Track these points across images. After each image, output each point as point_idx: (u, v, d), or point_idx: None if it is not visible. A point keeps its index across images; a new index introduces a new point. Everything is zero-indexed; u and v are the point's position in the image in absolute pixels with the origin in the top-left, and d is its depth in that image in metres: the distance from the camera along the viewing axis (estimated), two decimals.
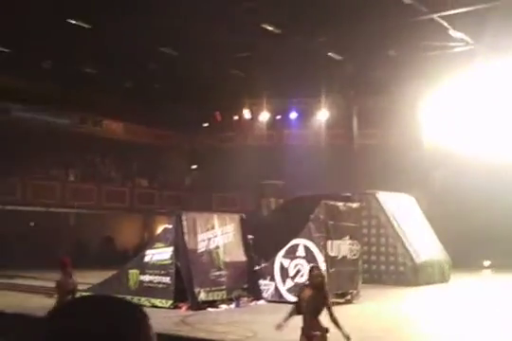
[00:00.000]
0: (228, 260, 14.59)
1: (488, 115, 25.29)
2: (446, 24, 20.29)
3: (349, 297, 14.75)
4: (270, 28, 20.67)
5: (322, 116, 28.23)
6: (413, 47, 22.77)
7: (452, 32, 21.05)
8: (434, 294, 17.22)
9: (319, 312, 7.02)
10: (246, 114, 29.48)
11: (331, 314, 6.92)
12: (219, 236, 14.68)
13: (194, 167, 32.51)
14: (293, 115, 29.84)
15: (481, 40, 21.44)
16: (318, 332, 6.96)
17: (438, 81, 25.13)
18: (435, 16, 19.71)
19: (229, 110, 29.72)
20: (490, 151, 25.78)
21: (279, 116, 29.86)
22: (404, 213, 20.73)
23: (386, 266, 19.65)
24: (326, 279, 8.01)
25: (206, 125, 31.15)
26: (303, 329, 7.04)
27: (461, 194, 27.02)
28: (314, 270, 7.51)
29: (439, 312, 13.57)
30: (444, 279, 20.08)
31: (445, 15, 19.72)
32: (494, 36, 20.48)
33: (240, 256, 15.05)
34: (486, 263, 25.74)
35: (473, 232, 25.93)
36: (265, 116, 29.17)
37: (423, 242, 20.26)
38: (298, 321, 7.14)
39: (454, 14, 19.51)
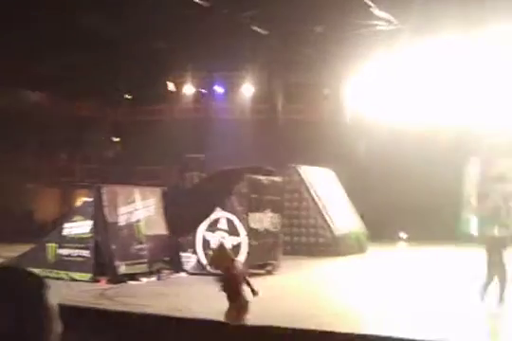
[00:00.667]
0: (149, 233, 14.56)
1: (412, 91, 25.98)
2: (370, 2, 20.58)
3: (270, 268, 15.05)
4: (197, 1, 20.40)
5: (247, 90, 28.27)
6: (340, 25, 23.00)
7: (377, 11, 21.38)
8: (351, 264, 17.78)
9: (239, 284, 7.13)
10: (171, 86, 29.15)
11: (246, 282, 7.15)
12: (140, 209, 14.60)
13: (117, 140, 31.99)
14: (218, 88, 29.74)
15: (405, 21, 21.89)
16: (244, 301, 7.09)
17: (364, 58, 25.56)
18: None
19: (153, 82, 29.30)
20: (411, 124, 26.58)
21: (204, 90, 29.69)
22: (324, 186, 21.19)
23: (307, 238, 20.10)
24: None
25: (129, 97, 30.61)
26: (229, 301, 7.14)
27: (380, 167, 27.85)
28: (217, 249, 7.81)
29: (354, 281, 14.05)
30: (361, 251, 20.74)
31: None
32: (418, 17, 20.93)
33: (161, 229, 15.04)
34: (403, 235, 26.70)
35: (391, 204, 26.81)
36: (189, 90, 28.94)
37: (342, 215, 20.84)
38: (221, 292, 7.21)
39: None
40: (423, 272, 15.72)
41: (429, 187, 26.68)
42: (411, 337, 4.48)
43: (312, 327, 4.15)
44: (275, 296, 11.56)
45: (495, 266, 10.79)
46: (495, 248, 11.02)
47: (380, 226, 26.65)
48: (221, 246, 8.49)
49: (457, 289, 12.90)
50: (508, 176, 27.73)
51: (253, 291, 7.18)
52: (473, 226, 26.80)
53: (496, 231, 11.42)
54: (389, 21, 22.43)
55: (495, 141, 26.96)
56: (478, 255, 19.88)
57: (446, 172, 26.18)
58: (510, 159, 26.72)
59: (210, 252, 13.77)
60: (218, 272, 7.78)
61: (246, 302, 7.12)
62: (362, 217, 22.50)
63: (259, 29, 23.97)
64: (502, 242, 11.11)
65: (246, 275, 7.30)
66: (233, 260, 7.53)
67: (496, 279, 10.69)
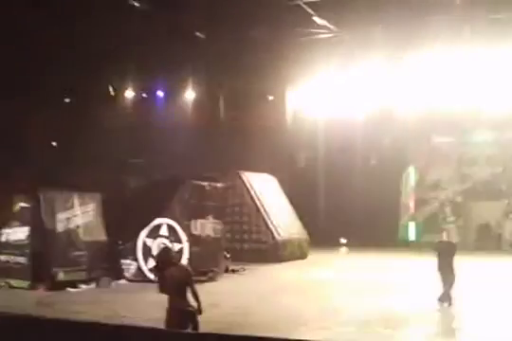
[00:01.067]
0: (88, 239, 14.29)
1: (354, 101, 26.38)
2: (310, 10, 20.83)
3: (211, 275, 14.97)
4: (137, 5, 20.22)
5: (189, 95, 28.13)
6: (282, 32, 23.19)
7: (317, 19, 21.66)
8: (292, 270, 17.87)
9: (182, 290, 7.01)
10: (111, 90, 28.73)
11: (193, 292, 6.99)
12: (79, 215, 14.32)
13: (55, 144, 31.29)
14: (159, 93, 29.48)
15: (344, 28, 22.26)
16: (187, 308, 6.97)
17: (306, 66, 25.82)
18: (301, 2, 20.16)
19: (93, 86, 28.81)
20: (353, 132, 26.99)
21: (145, 94, 29.38)
22: (267, 193, 21.27)
23: (249, 244, 20.10)
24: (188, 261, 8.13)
25: (68, 100, 30.00)
26: (168, 307, 7.00)
27: (322, 174, 28.20)
28: (162, 252, 7.68)
29: (295, 288, 14.13)
30: (303, 256, 20.89)
31: (309, 1, 20.21)
32: (357, 25, 21.33)
33: (101, 235, 14.77)
34: (343, 241, 27.04)
35: (332, 210, 27.16)
36: (130, 94, 28.59)
37: (284, 221, 20.95)
38: (162, 299, 7.10)
39: (319, 1, 20.06)
40: (360, 276, 15.94)
41: (370, 194, 27.14)
42: None
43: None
44: (213, 303, 11.54)
45: (445, 269, 11.38)
46: (443, 252, 11.55)
47: (322, 232, 26.95)
48: (166, 248, 8.48)
49: (391, 292, 13.12)
50: (443, 184, 28.62)
51: (199, 308, 6.98)
52: (411, 232, 27.58)
53: (444, 236, 12.13)
54: (329, 29, 22.76)
55: (430, 151, 27.72)
56: (415, 260, 20.36)
57: (385, 180, 26.71)
58: (445, 167, 27.55)
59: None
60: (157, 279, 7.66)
61: (188, 309, 6.99)
62: (304, 223, 22.67)
63: (200, 34, 23.94)
64: (450, 247, 11.68)
65: (193, 282, 7.15)
66: (177, 264, 7.48)
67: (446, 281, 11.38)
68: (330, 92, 26.59)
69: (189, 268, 7.51)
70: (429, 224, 26.87)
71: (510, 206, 26.05)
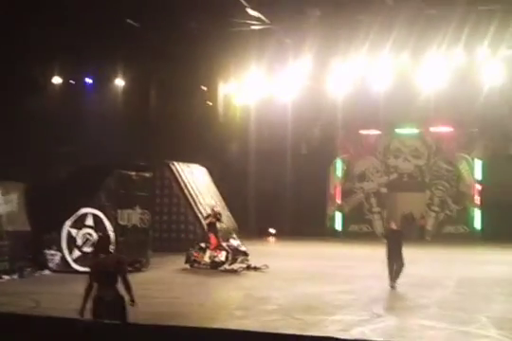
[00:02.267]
0: (10, 229, 13.93)
1: (285, 92, 26.60)
2: (244, 2, 20.85)
3: (138, 265, 14.85)
4: None
5: (119, 83, 27.68)
6: (215, 22, 23.10)
7: (250, 11, 21.70)
8: None
9: (112, 279, 6.92)
10: (39, 76, 27.92)
11: (125, 282, 6.91)
12: (1, 204, 13.93)
13: None
14: (88, 80, 28.86)
15: (276, 20, 22.40)
16: (115, 298, 6.89)
17: (239, 56, 25.84)
18: None
19: (20, 71, 27.94)
20: (283, 124, 27.25)
21: (73, 81, 28.70)
22: (196, 183, 21.24)
23: (177, 234, 20.05)
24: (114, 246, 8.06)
25: None
26: (96, 295, 6.90)
27: (253, 165, 28.37)
28: (101, 239, 7.57)
29: (224, 277, 14.22)
30: None
31: None
32: (288, 17, 21.51)
33: (24, 225, 14.41)
34: (272, 231, 27.33)
35: (262, 201, 27.40)
36: (58, 80, 27.87)
37: None
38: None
39: None
40: (288, 266, 16.19)
41: (299, 184, 27.54)
42: None
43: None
44: (141, 293, 11.47)
45: (394, 256, 12.32)
46: (392, 239, 12.54)
47: (251, 222, 27.19)
48: (104, 236, 8.43)
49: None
50: (369, 175, 29.33)
51: (131, 299, 6.93)
52: (338, 222, 28.14)
53: (393, 225, 13.24)
54: (262, 20, 22.85)
55: (357, 143, 28.32)
56: (341, 249, 20.82)
57: (314, 171, 27.14)
58: (371, 159, 28.22)
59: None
60: (85, 269, 7.58)
61: (116, 298, 6.92)
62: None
63: (132, 22, 23.57)
64: (398, 235, 12.73)
65: (126, 272, 7.07)
66: (111, 252, 7.42)
67: (395, 266, 12.36)
68: (262, 83, 26.74)
69: (124, 258, 7.46)
70: (355, 215, 27.52)
71: (432, 197, 26.95)
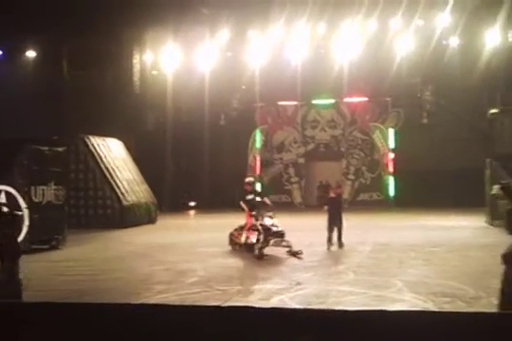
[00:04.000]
0: None
1: (204, 62, 26.30)
2: None
3: (55, 243, 14.50)
4: None
5: (31, 54, 26.59)
6: None
7: None
8: (141, 235, 17.80)
9: (15, 255, 6.78)
10: None
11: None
12: None
13: None
14: None
15: None
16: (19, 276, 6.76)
17: (156, 27, 25.32)
18: None
19: None
20: (203, 98, 27.00)
21: None
22: (113, 157, 20.82)
23: (94, 210, 19.68)
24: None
25: None
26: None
27: (170, 139, 28.06)
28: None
29: (143, 252, 14.10)
30: (151, 221, 20.82)
31: None
32: None
33: None
34: (192, 204, 27.27)
35: (181, 175, 27.23)
36: None
37: (130, 186, 20.68)
38: None
39: None
40: (208, 238, 16.23)
41: (218, 156, 27.51)
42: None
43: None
44: (59, 271, 11.25)
45: (335, 219, 13.66)
46: (332, 207, 13.85)
47: (170, 196, 27.00)
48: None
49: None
50: (287, 146, 29.63)
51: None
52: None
53: (332, 193, 14.56)
54: None
55: (275, 114, 28.48)
56: None
57: (232, 143, 27.17)
58: (289, 130, 28.50)
59: None
60: None
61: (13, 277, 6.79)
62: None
63: None
64: (337, 202, 14.15)
65: (12, 252, 6.89)
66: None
67: (335, 230, 13.71)
68: (179, 53, 26.37)
69: (15, 236, 7.30)
70: (274, 185, 27.82)
71: (348, 166, 27.59)
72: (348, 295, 9.19)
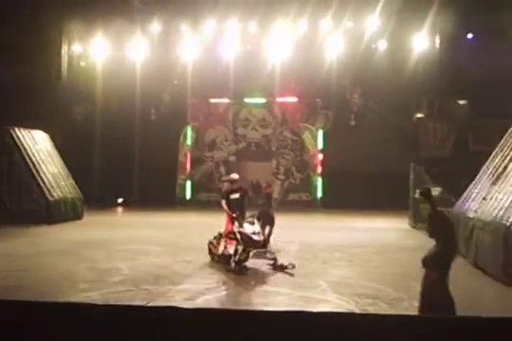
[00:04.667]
0: None
1: (138, 59, 25.97)
2: None
3: None
4: None
5: None
6: None
7: None
8: (67, 231, 17.43)
9: None
10: None
11: None
12: None
13: None
14: None
15: None
16: None
17: (87, 16, 24.79)
18: None
19: None
20: (133, 91, 26.65)
21: None
22: (38, 150, 20.29)
23: (19, 205, 19.09)
24: None
25: None
26: None
27: (99, 132, 27.54)
28: None
29: (68, 249, 13.81)
30: (77, 217, 20.39)
31: None
32: None
33: None
34: (120, 200, 26.86)
35: (110, 170, 26.76)
36: None
37: (56, 180, 20.20)
38: None
39: None
40: (136, 235, 16.06)
41: (148, 152, 27.16)
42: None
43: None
44: None
45: (267, 218, 13.44)
46: (263, 206, 13.80)
47: (98, 192, 26.51)
48: None
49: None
50: (219, 144, 29.63)
51: None
52: (188, 191, 28.25)
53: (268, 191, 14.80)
54: None
55: (207, 111, 28.42)
56: (190, 217, 20.96)
57: (163, 138, 26.87)
58: (221, 128, 28.48)
59: None
60: None
61: None
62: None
63: None
64: (269, 201, 14.27)
65: None
66: None
67: (267, 228, 13.31)
68: (110, 45, 25.95)
69: None
70: (205, 183, 27.77)
71: (278, 166, 27.84)
72: (274, 295, 9.29)
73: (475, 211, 12.86)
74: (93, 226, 18.61)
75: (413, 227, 18.70)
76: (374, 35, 24.87)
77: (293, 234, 16.55)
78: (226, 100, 28.13)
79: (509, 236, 10.29)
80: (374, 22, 24.51)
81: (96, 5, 23.91)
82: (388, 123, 25.68)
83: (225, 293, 9.61)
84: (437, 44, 24.89)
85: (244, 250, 10.90)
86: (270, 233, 13.70)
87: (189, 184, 28.12)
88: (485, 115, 22.08)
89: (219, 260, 11.64)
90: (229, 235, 11.48)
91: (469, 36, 24.23)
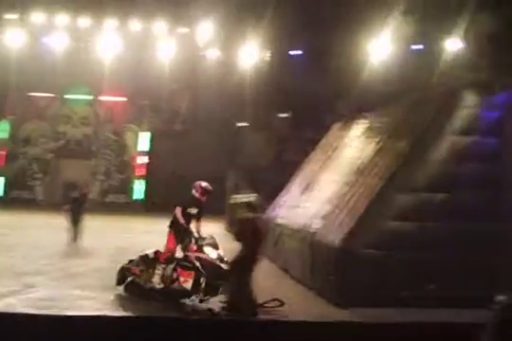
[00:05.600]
0: None
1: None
2: None
3: None
4: None
5: None
6: None
7: None
8: None
9: None
10: None
11: None
12: None
13: None
14: None
15: None
16: None
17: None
18: None
19: None
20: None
21: None
22: None
23: None
24: None
25: None
26: None
27: None
28: None
29: None
30: None
31: None
32: None
33: None
34: None
35: None
36: None
37: None
38: None
39: None
40: None
41: None
42: None
43: None
44: None
45: (74, 222, 13.82)
46: (75, 206, 14.07)
47: None
48: None
49: None
50: (34, 140, 28.41)
51: None
52: (1, 188, 26.70)
53: (74, 193, 14.71)
54: None
55: (25, 105, 27.07)
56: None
57: None
58: (39, 123, 27.20)
59: None
60: None
61: None
62: None
63: None
64: (77, 203, 14.27)
65: None
66: None
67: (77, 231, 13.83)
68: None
69: None
70: (18, 181, 26.37)
71: (97, 166, 27.23)
72: (81, 299, 9.08)
73: (282, 218, 13.56)
74: None
75: (228, 232, 19.19)
76: (207, 43, 25.24)
77: (108, 237, 16.26)
78: (47, 95, 26.99)
79: (314, 243, 10.92)
80: (207, 30, 24.86)
81: None
82: (212, 130, 26.20)
83: (30, 296, 9.19)
84: (266, 59, 25.81)
85: (208, 284, 8.12)
86: (78, 233, 13.89)
87: (2, 180, 26.57)
88: (302, 128, 23.31)
89: (153, 296, 8.76)
90: (180, 262, 8.70)
91: (297, 53, 25.41)
